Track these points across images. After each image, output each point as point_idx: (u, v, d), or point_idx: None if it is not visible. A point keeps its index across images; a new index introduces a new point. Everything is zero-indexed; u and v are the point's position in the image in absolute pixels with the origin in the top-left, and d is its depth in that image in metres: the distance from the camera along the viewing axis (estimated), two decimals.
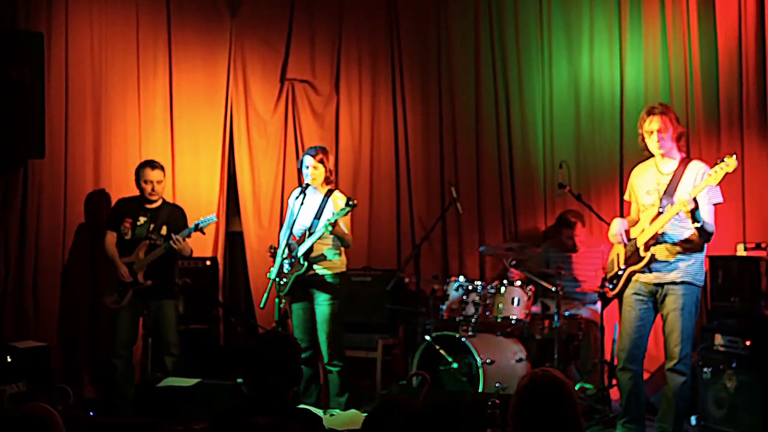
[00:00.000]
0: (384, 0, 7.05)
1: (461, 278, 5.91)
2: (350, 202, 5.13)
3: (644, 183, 4.74)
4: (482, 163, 6.85)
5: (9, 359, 5.09)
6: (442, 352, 5.50)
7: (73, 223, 6.00)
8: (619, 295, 4.83)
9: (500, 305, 5.68)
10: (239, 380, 5.04)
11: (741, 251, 5.11)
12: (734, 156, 4.29)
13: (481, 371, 5.31)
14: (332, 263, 5.43)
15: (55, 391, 5.35)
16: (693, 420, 5.00)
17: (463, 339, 5.46)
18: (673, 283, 4.57)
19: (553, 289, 5.61)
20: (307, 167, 5.42)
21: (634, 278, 4.72)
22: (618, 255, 4.83)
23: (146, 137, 6.34)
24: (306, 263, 5.33)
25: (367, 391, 6.04)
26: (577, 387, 5.52)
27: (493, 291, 5.72)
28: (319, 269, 5.40)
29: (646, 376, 5.05)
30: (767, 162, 5.57)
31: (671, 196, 4.52)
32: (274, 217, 6.75)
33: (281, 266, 5.31)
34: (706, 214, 4.48)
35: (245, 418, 2.56)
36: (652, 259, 4.60)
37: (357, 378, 6.23)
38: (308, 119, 6.91)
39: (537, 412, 2.50)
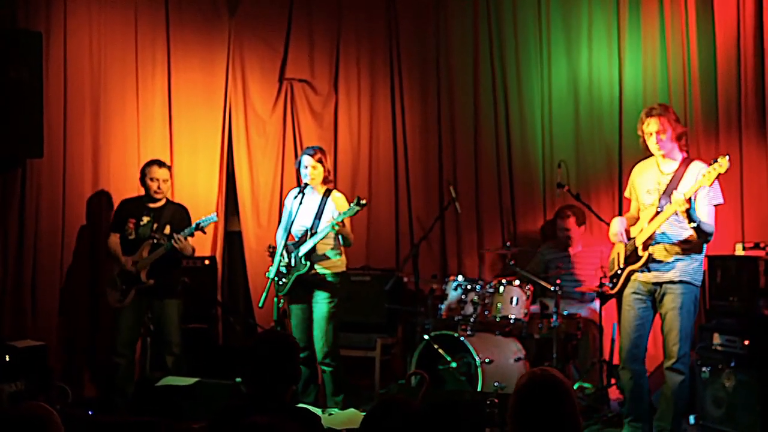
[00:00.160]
0: None
1: (460, 278, 5.92)
2: (361, 202, 5.12)
3: (645, 182, 4.74)
4: (481, 163, 6.84)
5: (7, 358, 5.09)
6: (440, 351, 5.50)
7: (71, 222, 6.00)
8: (619, 295, 4.84)
9: (499, 304, 5.68)
10: (238, 379, 5.04)
11: (739, 251, 5.11)
12: (727, 157, 4.29)
13: (479, 370, 5.31)
14: (333, 263, 5.43)
15: (53, 390, 5.36)
16: (691, 419, 5.02)
17: (462, 338, 5.46)
18: (672, 282, 4.58)
19: (552, 288, 5.62)
20: (306, 167, 5.42)
21: (632, 278, 4.72)
22: (618, 254, 4.84)
23: (145, 136, 6.34)
24: (308, 263, 5.33)
25: (365, 391, 6.05)
26: (575, 386, 5.51)
27: (491, 290, 5.72)
28: (320, 269, 5.40)
29: None
30: (765, 162, 5.56)
31: (670, 196, 4.53)
32: (272, 217, 6.74)
33: (279, 267, 5.31)
34: (706, 215, 4.48)
35: (244, 417, 2.56)
36: (650, 258, 4.60)
37: (355, 377, 6.24)
38: (307, 119, 6.90)
39: (535, 411, 2.50)
